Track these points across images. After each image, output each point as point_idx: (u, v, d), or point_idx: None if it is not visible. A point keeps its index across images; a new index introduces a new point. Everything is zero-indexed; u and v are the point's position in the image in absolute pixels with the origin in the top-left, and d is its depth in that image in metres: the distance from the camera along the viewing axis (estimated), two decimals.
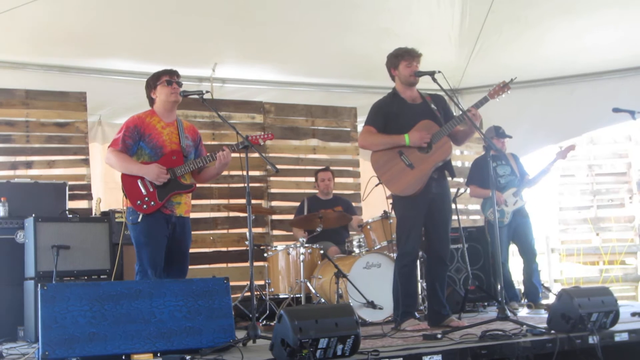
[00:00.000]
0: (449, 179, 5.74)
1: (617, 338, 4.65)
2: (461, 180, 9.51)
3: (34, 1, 6.58)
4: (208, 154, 5.22)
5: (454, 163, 9.72)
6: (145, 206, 4.97)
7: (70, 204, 6.85)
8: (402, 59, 5.55)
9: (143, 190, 4.98)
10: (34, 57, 7.70)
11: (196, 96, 5.05)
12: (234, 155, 7.77)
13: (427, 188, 5.41)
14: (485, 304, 7.79)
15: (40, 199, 6.52)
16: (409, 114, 5.51)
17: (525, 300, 7.46)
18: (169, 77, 5.16)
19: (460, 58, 9.24)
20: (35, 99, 7.46)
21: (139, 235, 5.02)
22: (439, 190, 5.53)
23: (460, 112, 5.40)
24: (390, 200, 5.94)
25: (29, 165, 7.33)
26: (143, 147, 5.06)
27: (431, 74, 5.35)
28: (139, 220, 4.98)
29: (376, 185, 5.85)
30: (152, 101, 5.26)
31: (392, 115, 5.48)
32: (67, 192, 6.75)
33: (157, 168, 4.97)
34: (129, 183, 5.02)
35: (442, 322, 5.41)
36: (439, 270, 5.61)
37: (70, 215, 6.33)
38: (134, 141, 5.05)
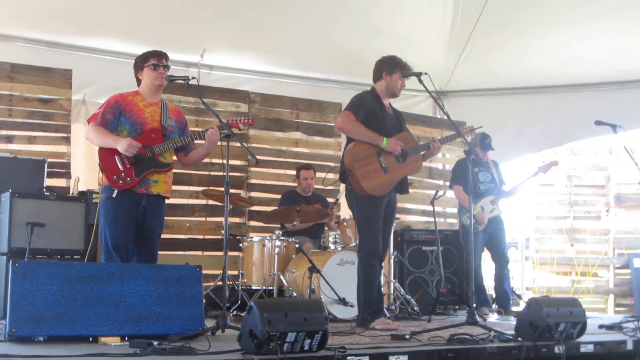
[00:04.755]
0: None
1: (582, 349, 4.70)
2: (440, 182, 9.57)
3: None
4: (195, 131, 5.25)
5: (434, 165, 9.89)
6: (120, 182, 4.96)
7: (48, 182, 6.81)
8: (399, 70, 5.56)
9: (120, 166, 4.97)
10: (21, 30, 7.65)
11: (182, 81, 5.03)
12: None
13: (389, 194, 5.57)
14: (456, 307, 7.86)
15: (18, 174, 6.47)
16: (387, 119, 5.61)
17: (496, 306, 7.51)
18: (157, 60, 5.15)
19: (449, 60, 9.29)
20: (21, 73, 7.38)
21: (107, 214, 5.01)
22: (393, 200, 5.71)
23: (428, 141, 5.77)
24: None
25: (9, 139, 7.25)
26: (123, 123, 5.06)
27: (418, 75, 5.36)
28: (114, 195, 4.96)
29: (347, 175, 5.63)
30: (139, 81, 5.26)
31: (372, 114, 5.51)
32: (46, 169, 6.71)
33: (129, 139, 4.95)
34: (106, 158, 5.01)
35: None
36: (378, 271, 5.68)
37: (47, 193, 6.28)
38: (114, 116, 5.04)
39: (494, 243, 7.46)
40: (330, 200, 8.08)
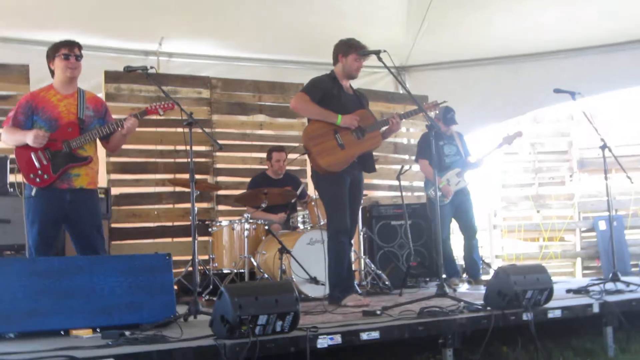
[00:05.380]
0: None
1: (550, 315, 4.78)
2: (406, 157, 9.64)
3: None
4: (111, 122, 5.05)
5: (399, 140, 9.95)
6: (38, 179, 4.82)
7: (12, 178, 6.72)
8: (354, 51, 5.63)
9: (37, 164, 4.83)
10: None
11: (140, 71, 4.99)
12: (179, 130, 7.73)
13: (350, 169, 5.61)
14: (427, 279, 7.95)
15: None
16: (345, 100, 5.66)
17: (466, 276, 7.62)
18: (68, 50, 4.97)
19: (408, 36, 9.31)
20: None
21: (28, 212, 4.87)
22: (359, 176, 5.77)
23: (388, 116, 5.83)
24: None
25: None
26: (37, 121, 4.88)
27: (377, 52, 5.40)
28: (33, 194, 4.83)
29: (303, 155, 5.84)
30: (52, 73, 5.08)
31: (329, 95, 5.58)
32: (8, 166, 6.63)
33: (35, 130, 4.79)
34: (22, 157, 4.87)
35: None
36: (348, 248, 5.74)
37: (12, 189, 6.21)
38: (26, 117, 4.88)
39: (461, 214, 7.52)
40: (304, 180, 8.09)
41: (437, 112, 7.50)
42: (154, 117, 7.33)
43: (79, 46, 5.04)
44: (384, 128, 5.78)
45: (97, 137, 5.00)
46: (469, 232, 7.51)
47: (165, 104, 5.18)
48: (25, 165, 4.86)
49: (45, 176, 4.83)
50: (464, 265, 7.78)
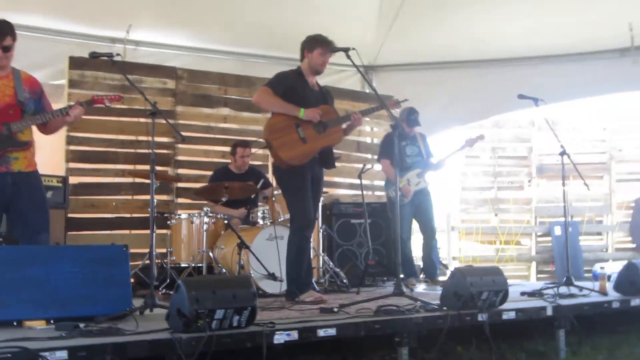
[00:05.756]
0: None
1: (504, 316, 4.84)
2: (368, 156, 9.68)
3: None
4: (58, 109, 4.92)
5: (363, 139, 9.99)
6: None
7: None
8: (319, 46, 5.62)
9: None
10: None
11: (106, 58, 4.91)
12: (142, 120, 7.65)
13: (312, 165, 5.60)
14: (385, 279, 8.00)
15: None
16: (309, 96, 5.65)
17: (423, 277, 7.67)
18: None
19: (378, 35, 9.37)
20: None
21: None
22: (319, 173, 5.76)
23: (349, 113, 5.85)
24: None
25: None
26: None
27: (345, 50, 5.40)
28: None
29: (264, 148, 5.79)
30: None
31: (293, 91, 5.57)
32: None
33: None
34: None
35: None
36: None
37: None
38: None
39: (421, 214, 7.57)
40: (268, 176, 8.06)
41: (401, 112, 7.55)
42: (117, 105, 7.33)
43: (12, 35, 4.78)
44: (345, 124, 5.80)
45: (39, 122, 4.88)
46: (428, 232, 7.56)
47: (113, 95, 5.13)
48: None
49: None
50: (421, 266, 7.85)
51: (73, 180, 7.60)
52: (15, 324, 4.04)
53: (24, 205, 4.82)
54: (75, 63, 7.83)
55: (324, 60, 5.67)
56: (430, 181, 7.63)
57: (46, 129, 5.06)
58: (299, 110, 5.48)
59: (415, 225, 7.68)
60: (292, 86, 5.57)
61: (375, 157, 8.31)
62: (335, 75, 9.62)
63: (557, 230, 10.56)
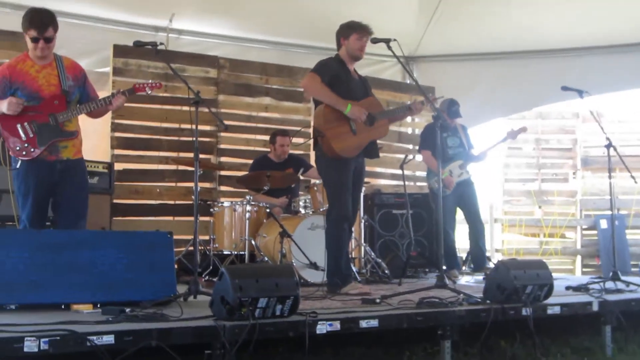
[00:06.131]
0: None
1: (549, 311, 4.77)
2: (410, 147, 9.63)
3: None
4: (101, 98, 5.00)
5: (404, 130, 9.94)
6: (24, 152, 4.77)
7: None
8: (354, 32, 5.59)
9: (23, 136, 4.77)
10: None
11: (150, 47, 4.95)
12: (185, 108, 7.70)
13: (357, 157, 5.61)
14: (427, 270, 7.95)
15: None
16: (352, 84, 5.63)
17: (466, 268, 7.60)
18: (37, 33, 4.73)
19: (419, 26, 9.31)
20: None
21: (19, 184, 4.83)
22: (361, 164, 5.75)
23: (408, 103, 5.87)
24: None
25: None
26: (20, 97, 4.78)
27: (386, 41, 5.34)
28: (18, 166, 4.79)
29: (317, 137, 5.57)
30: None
31: (338, 79, 5.53)
32: None
33: (9, 98, 4.71)
34: (8, 128, 4.79)
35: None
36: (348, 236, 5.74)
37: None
38: (3, 92, 4.77)
39: (465, 203, 7.49)
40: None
41: (441, 103, 7.49)
42: (160, 93, 7.39)
43: (54, 26, 4.79)
44: (404, 112, 5.92)
45: (84, 112, 4.95)
46: (474, 219, 7.45)
47: (154, 83, 5.19)
48: (10, 136, 4.79)
49: (32, 149, 4.78)
50: (464, 258, 7.77)
51: (118, 166, 7.70)
52: (62, 307, 4.11)
53: (69, 191, 4.93)
54: (120, 51, 7.90)
55: (362, 44, 5.61)
56: (473, 173, 7.56)
57: (91, 114, 5.14)
58: (345, 106, 5.42)
59: (459, 215, 7.61)
60: (336, 74, 5.52)
61: (417, 147, 8.26)
62: (376, 65, 9.59)
63: (603, 224, 10.35)
